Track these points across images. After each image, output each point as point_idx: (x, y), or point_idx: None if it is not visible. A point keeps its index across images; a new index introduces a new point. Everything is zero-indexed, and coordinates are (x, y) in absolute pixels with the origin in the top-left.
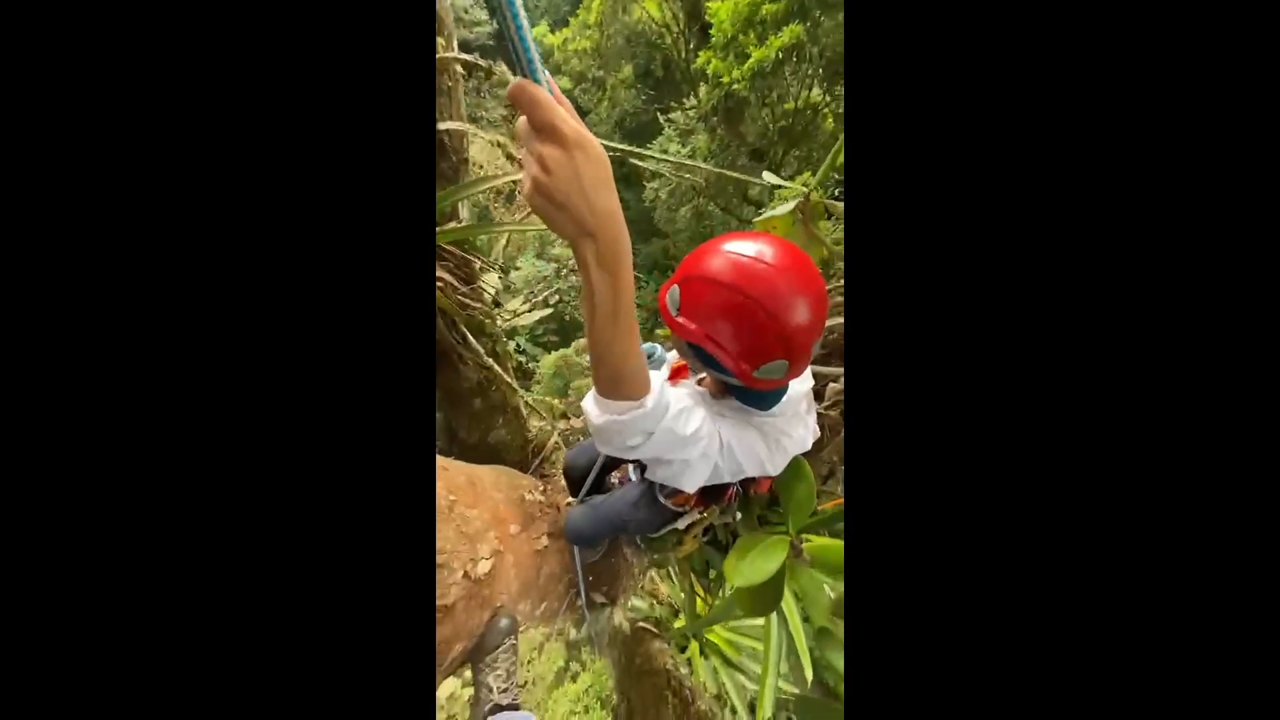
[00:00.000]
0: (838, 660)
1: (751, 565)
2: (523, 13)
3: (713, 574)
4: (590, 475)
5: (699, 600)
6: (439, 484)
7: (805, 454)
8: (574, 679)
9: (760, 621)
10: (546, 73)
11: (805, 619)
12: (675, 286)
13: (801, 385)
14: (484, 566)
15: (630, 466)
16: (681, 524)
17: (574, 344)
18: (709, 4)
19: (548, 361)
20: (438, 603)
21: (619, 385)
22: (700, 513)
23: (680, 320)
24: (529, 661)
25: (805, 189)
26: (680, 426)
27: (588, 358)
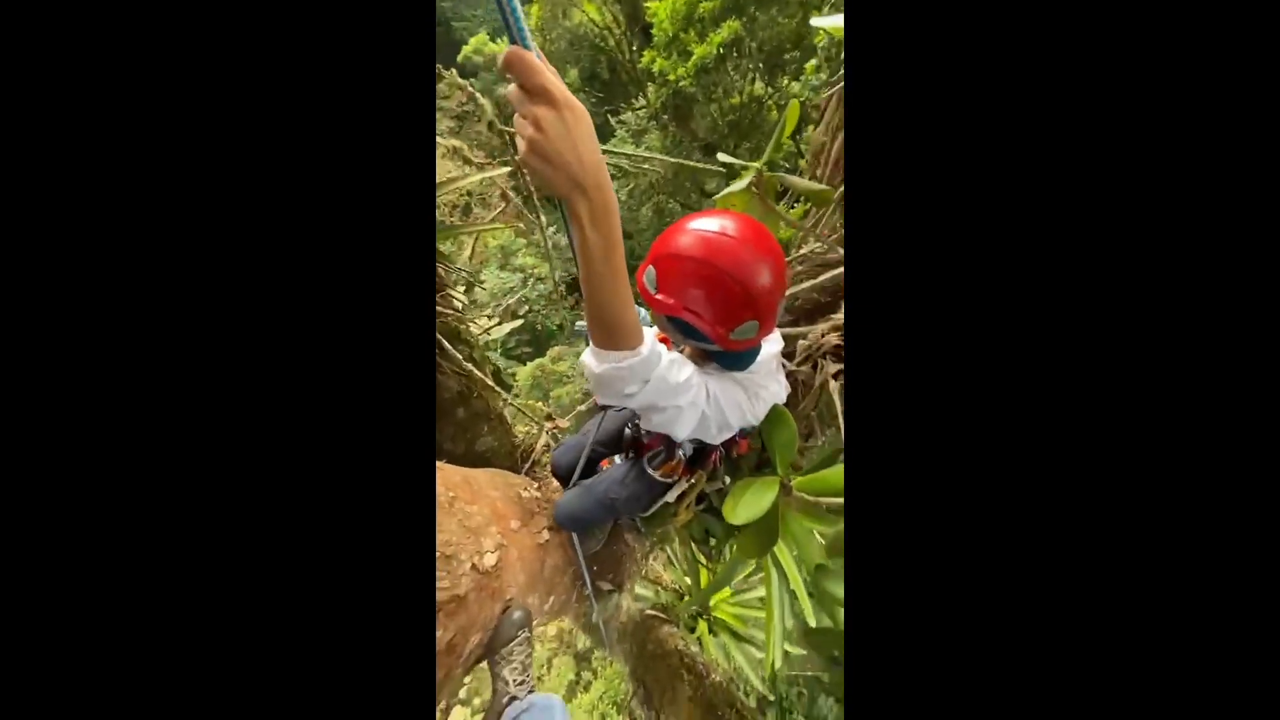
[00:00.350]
0: (837, 589)
1: (747, 504)
2: None
3: (713, 541)
4: (579, 463)
5: (702, 570)
6: (437, 482)
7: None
8: (586, 689)
9: (762, 591)
10: (534, 42)
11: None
12: (651, 267)
13: (773, 346)
14: (490, 559)
15: (618, 457)
16: (672, 496)
17: (549, 353)
18: (648, 4)
19: (524, 373)
20: (449, 593)
21: (615, 335)
22: (689, 481)
23: (659, 297)
24: (539, 679)
25: (758, 166)
26: (672, 375)
27: (566, 364)
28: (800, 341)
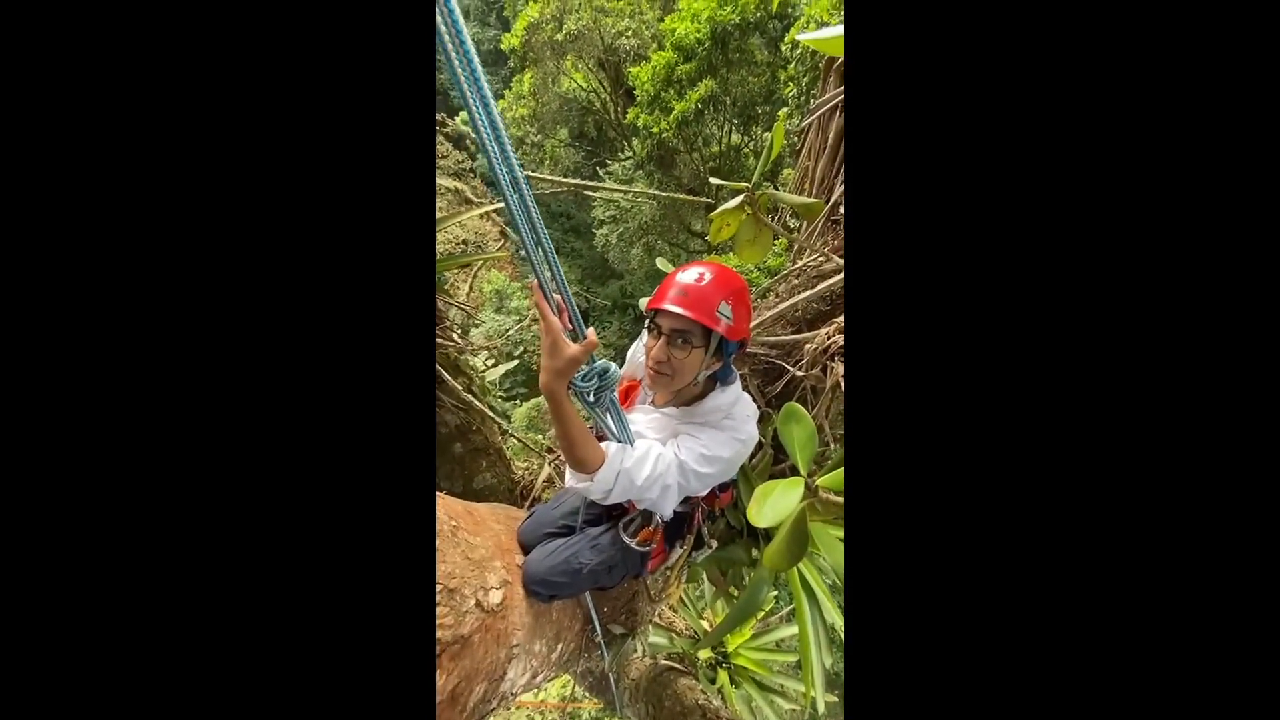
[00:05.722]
0: None
1: (774, 505)
2: (558, 265)
3: (731, 572)
4: (580, 513)
5: (718, 604)
6: (438, 511)
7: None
8: None
9: (784, 633)
10: (571, 308)
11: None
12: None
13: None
14: (495, 596)
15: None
16: (655, 575)
17: None
18: (630, 70)
19: (520, 413)
20: (453, 633)
21: (580, 464)
22: (676, 548)
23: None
24: None
25: (748, 186)
26: (638, 477)
27: None
28: (807, 346)
